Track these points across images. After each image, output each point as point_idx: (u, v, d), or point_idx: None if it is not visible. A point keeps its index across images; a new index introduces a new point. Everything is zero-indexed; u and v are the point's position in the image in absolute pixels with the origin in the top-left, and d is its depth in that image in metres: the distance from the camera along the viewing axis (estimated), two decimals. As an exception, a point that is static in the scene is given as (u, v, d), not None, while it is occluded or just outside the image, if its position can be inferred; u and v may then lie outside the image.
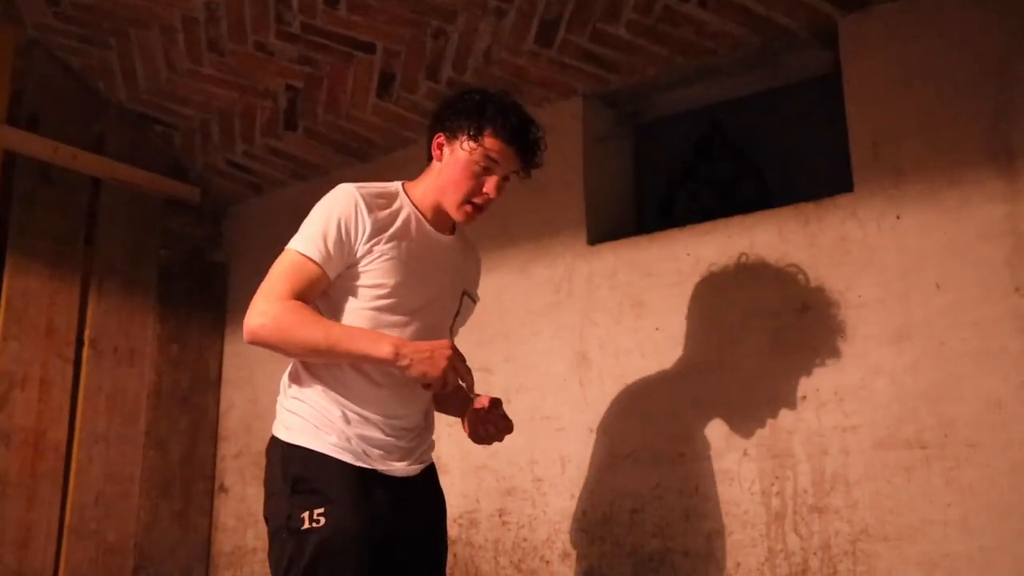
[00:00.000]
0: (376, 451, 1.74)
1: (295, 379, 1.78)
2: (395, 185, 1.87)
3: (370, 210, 1.74)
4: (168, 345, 3.06)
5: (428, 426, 1.87)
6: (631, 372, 2.34)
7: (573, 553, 2.31)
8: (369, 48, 2.65)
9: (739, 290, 2.23)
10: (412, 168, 2.84)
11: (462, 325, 1.95)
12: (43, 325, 2.76)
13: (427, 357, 1.64)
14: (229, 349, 3.21)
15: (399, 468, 1.76)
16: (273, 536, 1.71)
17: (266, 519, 1.76)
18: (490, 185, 1.80)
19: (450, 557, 2.50)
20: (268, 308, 1.67)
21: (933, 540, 1.88)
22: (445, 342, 1.67)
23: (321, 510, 1.65)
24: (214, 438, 3.13)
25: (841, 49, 2.20)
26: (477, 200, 1.80)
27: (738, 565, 2.09)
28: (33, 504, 2.65)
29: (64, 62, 2.94)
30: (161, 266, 3.09)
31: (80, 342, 2.85)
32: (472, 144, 1.78)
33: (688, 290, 2.30)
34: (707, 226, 2.32)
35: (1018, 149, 1.93)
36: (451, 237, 1.90)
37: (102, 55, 2.92)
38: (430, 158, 1.87)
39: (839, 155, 2.25)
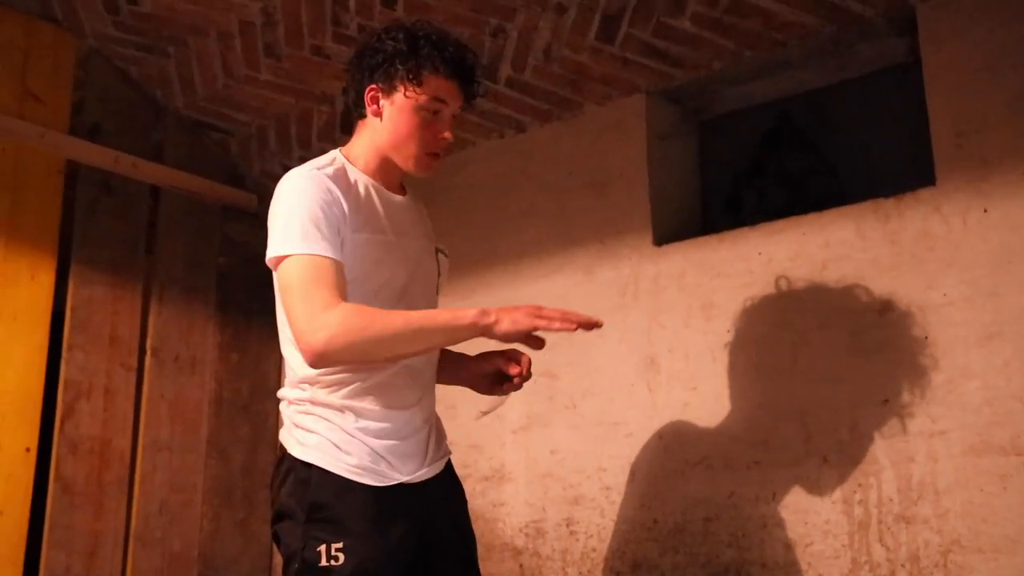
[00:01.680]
0: (398, 460, 1.63)
1: (299, 388, 1.65)
2: (334, 155, 1.72)
3: (340, 190, 1.61)
4: (228, 353, 3.06)
5: (436, 416, 1.78)
6: (701, 376, 2.26)
7: (644, 564, 2.24)
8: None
9: (814, 290, 2.14)
10: (471, 169, 2.83)
11: (445, 283, 1.86)
12: (107, 334, 2.77)
13: (512, 309, 1.55)
14: (288, 356, 3.19)
15: (422, 474, 1.66)
16: (287, 565, 1.60)
17: (275, 538, 1.66)
18: (444, 126, 1.68)
19: (516, 567, 2.45)
20: (323, 322, 1.49)
21: (1032, 552, 1.77)
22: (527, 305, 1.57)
23: (340, 545, 1.54)
24: (274, 446, 3.11)
25: (921, 36, 2.10)
26: (435, 148, 1.68)
27: (820, 577, 2.00)
28: (100, 513, 2.65)
29: (123, 71, 2.96)
30: (220, 273, 3.09)
31: (142, 351, 2.86)
32: (416, 90, 1.63)
33: (760, 291, 2.22)
34: (779, 224, 2.24)
35: (1116, 136, 1.83)
36: (405, 197, 1.79)
37: (160, 63, 2.93)
38: (360, 115, 1.72)
39: (915, 148, 2.16)
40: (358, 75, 1.72)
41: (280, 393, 1.72)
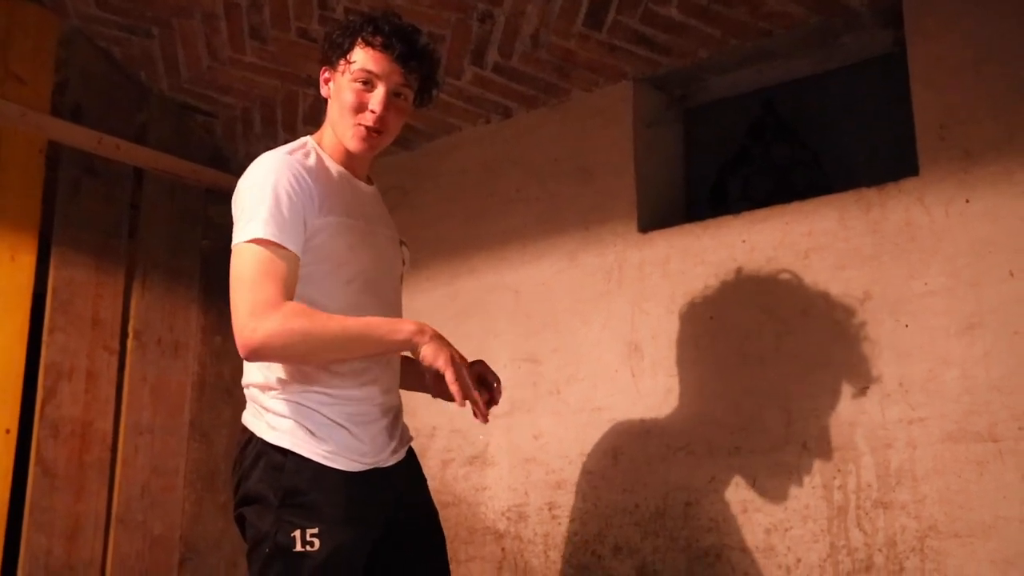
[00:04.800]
0: (370, 444, 1.64)
1: (269, 372, 1.64)
2: (305, 141, 1.74)
3: (310, 175, 1.62)
4: (211, 336, 3.05)
5: (399, 401, 1.79)
6: (685, 362, 2.28)
7: (625, 547, 2.26)
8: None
9: (797, 278, 2.16)
10: (457, 155, 2.83)
11: (407, 274, 1.89)
12: (88, 317, 2.75)
13: (446, 343, 1.56)
14: (271, 340, 3.18)
15: (392, 458, 1.69)
16: (254, 547, 1.59)
17: (240, 522, 1.65)
18: (375, 100, 1.66)
19: (498, 551, 2.47)
20: (265, 319, 1.50)
21: (1008, 538, 1.80)
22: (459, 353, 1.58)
23: (315, 530, 1.54)
24: (258, 430, 3.11)
25: (907, 28, 2.11)
26: (365, 121, 1.67)
27: (798, 561, 2.02)
28: (82, 495, 2.64)
29: (106, 52, 2.93)
30: (203, 257, 3.07)
31: (125, 333, 2.85)
32: (347, 63, 1.67)
33: (743, 279, 2.24)
34: (762, 213, 2.25)
35: (1097, 129, 1.85)
36: (372, 187, 1.82)
37: (144, 44, 2.90)
38: (325, 100, 1.76)
39: (899, 138, 2.17)
40: (319, 61, 1.77)
41: (246, 379, 1.70)
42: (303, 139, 1.75)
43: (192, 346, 3.00)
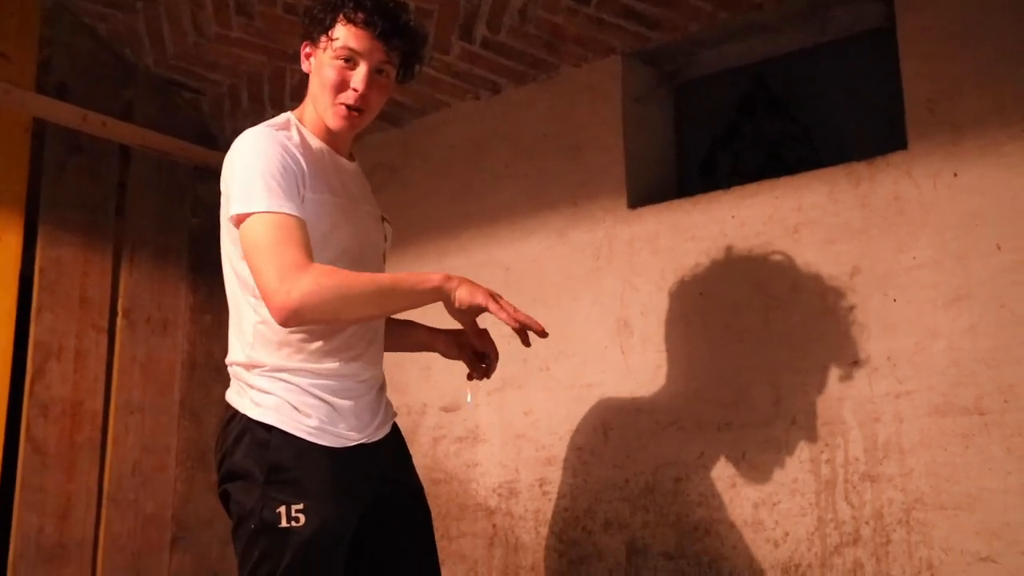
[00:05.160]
0: (355, 419, 1.64)
1: (253, 351, 1.63)
2: (287, 116, 1.72)
3: (296, 151, 1.62)
4: (201, 315, 3.04)
5: (383, 376, 1.80)
6: (674, 338, 2.28)
7: (615, 523, 2.27)
8: (402, 7, 2.57)
9: (786, 253, 2.16)
10: (446, 131, 2.81)
11: (390, 251, 1.89)
12: (77, 296, 2.74)
13: (469, 282, 1.61)
14: (261, 318, 3.18)
15: (378, 433, 1.69)
16: (239, 524, 1.59)
17: (224, 499, 1.65)
18: (357, 79, 1.64)
19: (489, 527, 2.48)
20: (297, 280, 1.49)
21: (992, 509, 1.81)
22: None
23: (300, 506, 1.54)
24: (248, 408, 3.11)
25: (896, 1, 2.10)
26: (346, 99, 1.65)
27: (786, 535, 2.04)
28: (72, 474, 2.64)
29: (91, 28, 2.90)
30: (192, 235, 3.06)
31: (113, 312, 2.83)
32: (328, 40, 1.65)
33: (733, 254, 2.23)
34: (752, 187, 2.24)
35: (1086, 102, 1.84)
36: (354, 164, 1.81)
37: (129, 20, 2.87)
38: (307, 76, 1.75)
39: (890, 113, 2.16)
40: (300, 38, 1.75)
41: (230, 357, 1.70)
42: (285, 115, 1.73)
43: (181, 324, 2.99)
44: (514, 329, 1.64)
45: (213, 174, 3.15)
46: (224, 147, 3.12)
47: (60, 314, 2.69)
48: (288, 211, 1.54)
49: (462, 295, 1.60)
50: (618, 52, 2.50)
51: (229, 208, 1.60)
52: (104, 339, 2.79)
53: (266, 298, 1.53)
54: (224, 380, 2.99)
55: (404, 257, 2.71)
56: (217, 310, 3.07)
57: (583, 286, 2.45)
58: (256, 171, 1.56)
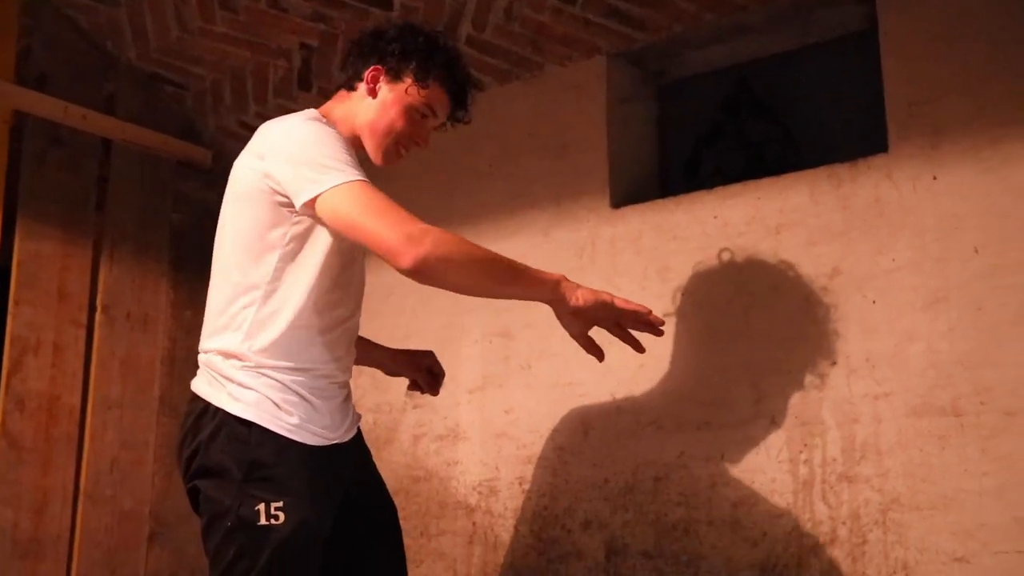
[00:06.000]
0: (332, 419, 1.65)
1: (247, 340, 1.60)
2: (315, 114, 1.71)
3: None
4: (182, 311, 3.01)
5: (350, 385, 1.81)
6: (656, 339, 2.27)
7: (595, 522, 2.27)
8: (386, 4, 2.57)
9: (768, 254, 2.17)
10: (429, 129, 2.79)
11: None
12: (55, 290, 2.71)
13: (584, 287, 1.69)
14: (243, 315, 3.16)
15: (345, 433, 1.70)
16: (212, 521, 1.56)
17: (194, 495, 1.63)
18: (424, 134, 1.77)
19: (468, 525, 2.48)
20: (423, 230, 1.48)
21: (967, 510, 1.83)
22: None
23: (279, 503, 1.52)
24: (229, 404, 3.09)
25: (878, 3, 2.11)
26: (404, 148, 1.76)
27: (764, 534, 2.05)
28: (48, 469, 2.62)
29: (72, 20, 2.87)
30: (173, 230, 3.03)
31: (93, 307, 2.81)
32: (417, 89, 1.71)
33: (715, 254, 2.24)
34: (735, 188, 2.25)
35: (1064, 107, 1.86)
36: None
37: (111, 13, 2.85)
38: (350, 87, 1.77)
39: (873, 115, 2.18)
40: (367, 50, 1.76)
41: (208, 344, 1.66)
42: (312, 112, 1.72)
43: (162, 320, 2.97)
44: (644, 326, 1.76)
45: (196, 169, 3.16)
46: (207, 143, 3.16)
47: (38, 308, 2.66)
48: (367, 181, 1.55)
49: (580, 296, 1.67)
50: (603, 52, 2.50)
51: (306, 187, 1.54)
52: (83, 334, 2.76)
53: (393, 251, 1.48)
54: (204, 376, 3.01)
55: (387, 254, 2.70)
56: (198, 306, 3.01)
57: (565, 285, 2.45)
58: (325, 153, 1.56)
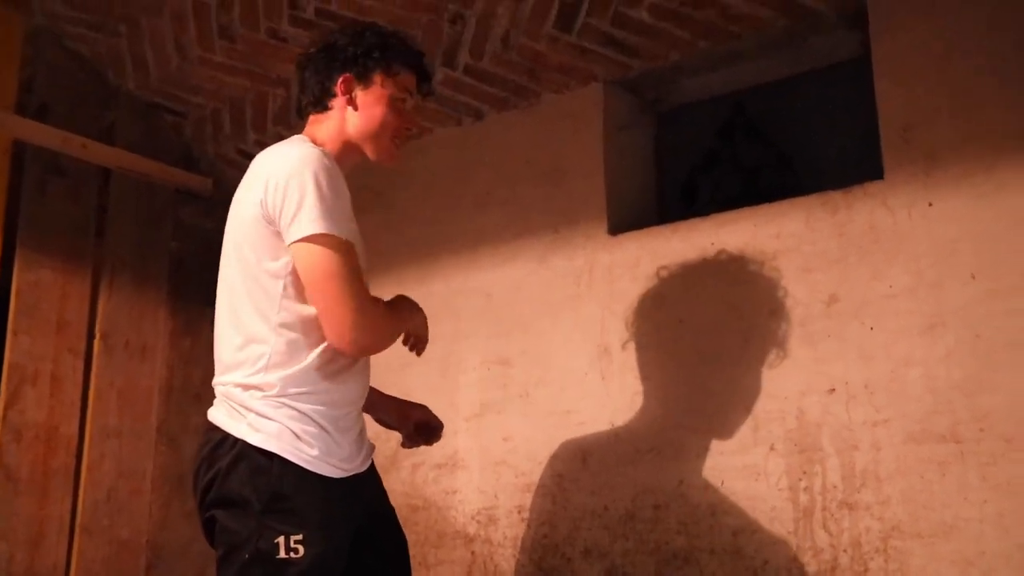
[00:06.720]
0: (350, 450, 1.65)
1: (264, 373, 1.60)
2: (306, 139, 1.73)
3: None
4: (180, 340, 3.01)
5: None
6: (654, 365, 2.28)
7: (595, 550, 2.26)
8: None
9: (765, 280, 2.17)
10: (428, 156, 2.81)
11: None
12: (54, 319, 2.71)
13: (422, 321, 1.85)
14: (241, 342, 3.16)
15: (361, 464, 1.71)
16: (229, 553, 1.55)
17: (210, 526, 1.62)
18: (410, 117, 1.82)
19: (467, 555, 2.46)
20: (371, 316, 1.61)
21: (968, 537, 1.82)
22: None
23: (299, 536, 1.52)
24: (227, 434, 3.08)
25: (871, 29, 2.13)
26: (400, 139, 1.81)
27: (765, 563, 2.04)
28: (45, 501, 2.61)
29: (73, 50, 2.90)
30: (172, 259, 3.04)
31: (91, 336, 2.81)
32: (391, 81, 1.76)
33: (712, 281, 2.25)
34: (731, 215, 2.26)
35: (1056, 133, 1.87)
36: None
37: (112, 43, 2.87)
38: (321, 107, 1.76)
39: (868, 141, 2.19)
40: (325, 66, 1.77)
41: (225, 377, 1.66)
42: (302, 138, 1.73)
43: (160, 349, 2.97)
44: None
45: (195, 197, 3.17)
46: (206, 171, 3.18)
47: (37, 337, 2.66)
48: (352, 240, 1.62)
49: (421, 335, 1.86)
50: (599, 80, 2.52)
51: (293, 226, 1.56)
52: (81, 363, 2.76)
53: (341, 328, 1.57)
54: (202, 406, 2.96)
55: (385, 281, 2.70)
56: (197, 335, 3.05)
57: (563, 312, 2.46)
58: (325, 193, 1.57)
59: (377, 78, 1.75)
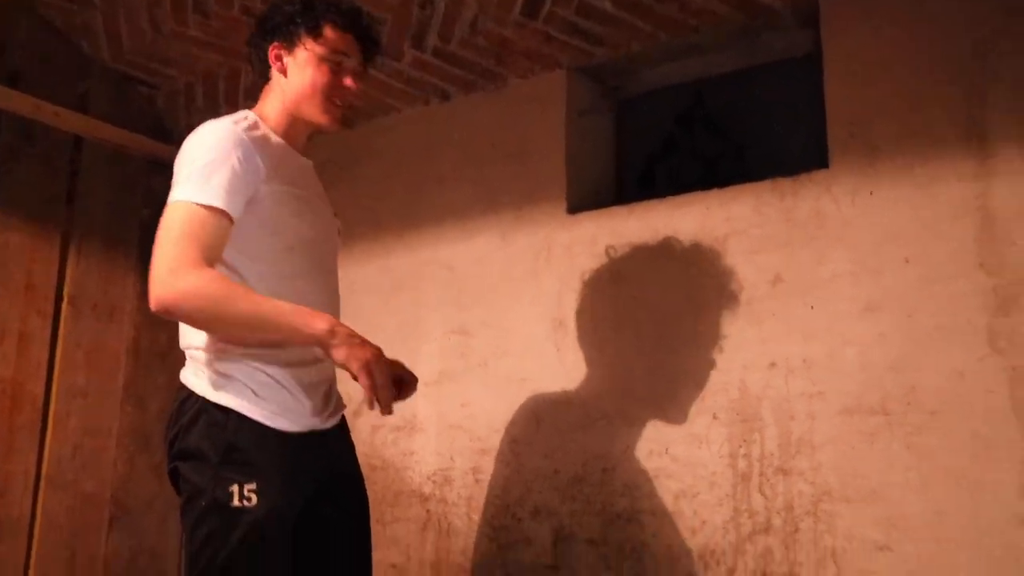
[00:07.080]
0: (312, 405, 1.69)
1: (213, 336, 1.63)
2: (246, 114, 1.76)
3: (255, 144, 1.65)
4: (148, 303, 3.05)
5: (335, 369, 1.76)
6: (607, 339, 2.39)
7: (544, 510, 2.37)
8: (366, 13, 2.66)
9: (715, 261, 2.28)
10: (396, 134, 2.90)
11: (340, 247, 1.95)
12: (22, 281, 2.76)
13: (359, 343, 1.55)
14: (208, 312, 3.20)
15: (326, 420, 1.73)
16: (188, 501, 1.61)
17: (174, 476, 1.67)
18: (348, 78, 1.79)
19: (423, 512, 2.56)
20: (183, 277, 1.50)
21: (892, 502, 1.94)
22: (377, 347, 1.58)
23: (252, 486, 1.57)
24: (190, 397, 3.13)
25: (822, 29, 2.25)
26: (338, 98, 1.79)
27: (704, 523, 2.15)
28: (11, 454, 2.65)
29: (47, 20, 2.92)
30: (143, 226, 3.09)
31: (59, 299, 2.85)
32: (316, 42, 1.75)
33: (666, 260, 2.35)
34: (686, 198, 2.37)
35: (989, 130, 1.99)
36: (310, 161, 1.88)
37: (86, 14, 2.90)
38: (264, 77, 1.82)
39: (817, 133, 2.31)
40: (259, 39, 1.82)
41: (187, 341, 1.71)
42: (244, 112, 1.79)
43: (128, 312, 3.01)
44: (367, 397, 1.56)
45: (166, 167, 3.18)
46: (178, 142, 3.16)
47: (4, 298, 2.70)
48: (219, 205, 1.56)
49: (338, 355, 1.54)
50: (564, 66, 2.62)
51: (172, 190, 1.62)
52: (48, 325, 2.80)
53: (150, 284, 1.54)
54: (169, 367, 3.07)
55: (352, 253, 2.79)
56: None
57: (523, 286, 2.55)
58: (203, 162, 1.60)
59: (303, 42, 1.76)
